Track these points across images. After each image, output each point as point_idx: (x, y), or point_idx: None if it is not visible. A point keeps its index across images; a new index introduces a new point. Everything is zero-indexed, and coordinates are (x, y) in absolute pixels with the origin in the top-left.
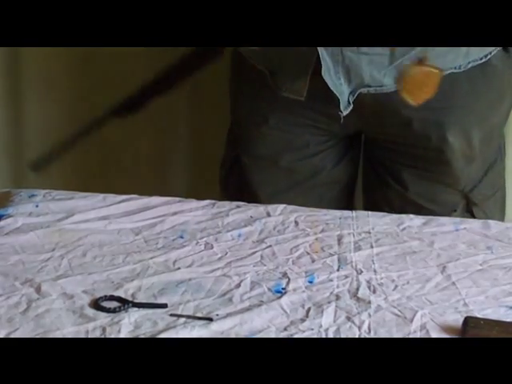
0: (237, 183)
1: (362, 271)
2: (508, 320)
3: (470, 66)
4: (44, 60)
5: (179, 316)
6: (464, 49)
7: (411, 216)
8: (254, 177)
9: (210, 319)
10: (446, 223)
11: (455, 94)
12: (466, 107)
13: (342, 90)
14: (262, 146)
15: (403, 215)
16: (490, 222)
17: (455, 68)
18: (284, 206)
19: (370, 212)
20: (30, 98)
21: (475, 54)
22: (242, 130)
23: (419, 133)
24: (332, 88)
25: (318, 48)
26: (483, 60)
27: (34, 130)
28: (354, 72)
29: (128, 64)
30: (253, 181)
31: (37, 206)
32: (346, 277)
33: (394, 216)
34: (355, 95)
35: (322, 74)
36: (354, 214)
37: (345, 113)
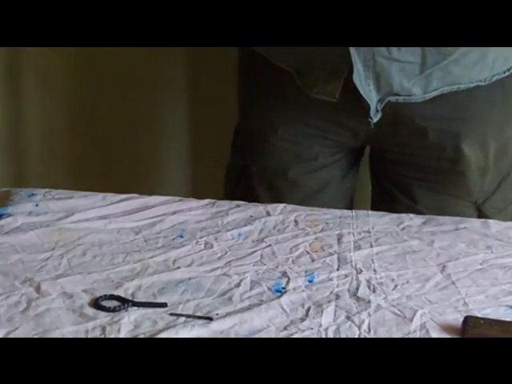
0: (243, 193)
1: (361, 270)
2: (508, 319)
3: (494, 79)
4: (44, 60)
5: (179, 315)
6: (490, 61)
7: (411, 215)
8: (261, 188)
9: (210, 318)
10: (446, 222)
11: (472, 104)
12: (483, 118)
13: (371, 96)
14: (271, 157)
15: (403, 214)
16: (490, 221)
17: (480, 81)
18: (284, 205)
19: (369, 211)
20: (30, 98)
21: (499, 68)
22: (252, 140)
23: (434, 143)
24: (362, 93)
25: (351, 52)
26: (506, 74)
27: (33, 129)
28: (384, 79)
29: (128, 64)
30: (260, 192)
31: (36, 205)
32: (346, 276)
33: (394, 215)
34: (383, 103)
35: (354, 79)
36: (353, 213)
37: (375, 119)
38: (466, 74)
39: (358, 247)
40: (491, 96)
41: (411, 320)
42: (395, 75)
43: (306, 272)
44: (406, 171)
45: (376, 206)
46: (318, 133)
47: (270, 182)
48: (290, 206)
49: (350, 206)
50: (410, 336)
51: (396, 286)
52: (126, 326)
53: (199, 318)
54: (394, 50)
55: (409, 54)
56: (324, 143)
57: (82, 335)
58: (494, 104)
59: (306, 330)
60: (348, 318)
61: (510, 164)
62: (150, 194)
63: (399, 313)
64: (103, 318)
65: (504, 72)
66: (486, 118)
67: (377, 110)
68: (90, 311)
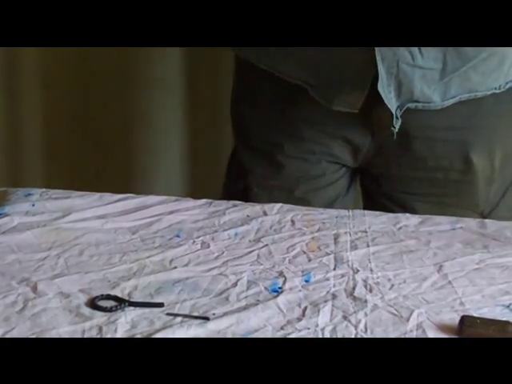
0: None
1: (358, 270)
2: (504, 319)
3: (507, 86)
4: (43, 60)
5: (176, 315)
6: (506, 68)
7: (407, 215)
8: None
9: (207, 318)
10: (443, 222)
11: (480, 113)
12: (490, 126)
13: (392, 103)
14: (277, 175)
15: (399, 214)
16: (487, 221)
17: (496, 88)
18: (280, 205)
19: (366, 211)
20: (27, 98)
21: (511, 75)
22: (255, 160)
23: (442, 154)
24: (386, 101)
25: (378, 60)
26: None
27: (30, 129)
28: (406, 86)
29: (126, 64)
30: None
31: (33, 205)
32: (343, 276)
33: (391, 215)
34: (403, 109)
35: (379, 87)
36: (350, 213)
37: (396, 127)
38: (484, 81)
39: (354, 247)
40: (498, 103)
41: (408, 320)
42: (417, 82)
43: (302, 272)
44: (409, 187)
45: None
46: (323, 149)
47: (276, 201)
48: (287, 206)
49: None
50: (407, 336)
51: (393, 285)
52: (123, 325)
53: (196, 317)
54: (418, 56)
55: (431, 60)
56: (330, 159)
57: (78, 335)
58: (502, 112)
59: (303, 330)
60: (345, 317)
61: None
62: (147, 193)
63: (396, 312)
64: (100, 317)
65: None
66: (494, 126)
67: (396, 117)
68: (87, 311)
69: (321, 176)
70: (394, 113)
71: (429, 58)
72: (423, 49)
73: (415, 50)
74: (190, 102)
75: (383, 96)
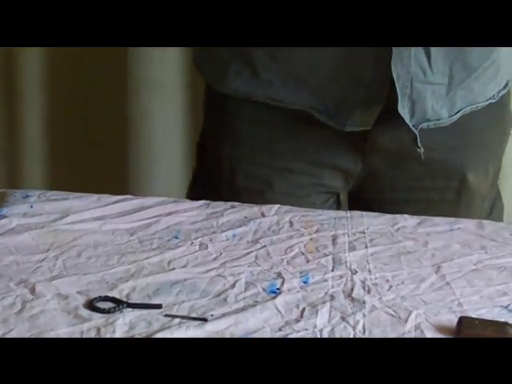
0: None
1: (356, 271)
2: (502, 320)
3: (500, 94)
4: (41, 61)
5: (174, 316)
6: (499, 76)
7: (406, 216)
8: None
9: (205, 319)
10: (441, 223)
11: (474, 128)
12: (484, 142)
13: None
14: None
15: (397, 215)
16: (485, 222)
17: (491, 98)
18: (278, 206)
19: (364, 212)
20: (25, 99)
21: (502, 83)
22: (238, 199)
23: (439, 174)
24: (407, 121)
25: (395, 79)
26: (506, 89)
27: (28, 131)
28: (419, 106)
29: (123, 66)
30: None
31: (31, 207)
32: (341, 277)
33: (389, 216)
34: (417, 129)
35: (399, 108)
36: (348, 214)
37: (422, 149)
38: (483, 91)
39: (352, 248)
40: (488, 117)
41: (406, 321)
42: (428, 99)
43: (300, 273)
44: (402, 210)
45: None
46: (312, 180)
47: None
48: (285, 207)
49: None
50: (405, 336)
51: (391, 286)
52: (121, 327)
53: (194, 319)
54: (428, 71)
55: (439, 75)
56: (319, 190)
57: (76, 336)
58: (493, 125)
59: (301, 331)
60: (343, 318)
61: (497, 189)
62: (145, 195)
63: (394, 313)
64: (98, 319)
65: (504, 87)
66: (487, 142)
67: (415, 138)
68: (85, 312)
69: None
70: (416, 133)
71: (438, 72)
72: (433, 63)
73: (426, 65)
74: (189, 103)
75: (404, 117)
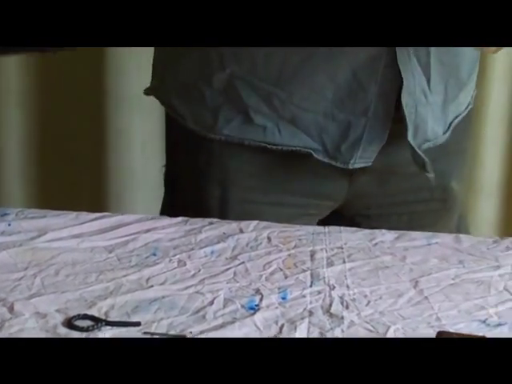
0: None
1: (334, 287)
2: (480, 334)
3: (472, 99)
4: (15, 76)
5: (152, 334)
6: (473, 82)
7: (383, 231)
8: None
9: (184, 337)
10: (418, 238)
11: (455, 138)
12: (463, 149)
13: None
14: None
15: (375, 230)
16: (462, 236)
17: (469, 104)
18: (257, 222)
19: (342, 227)
20: (1, 117)
21: (472, 88)
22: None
23: (423, 187)
24: (418, 151)
25: (404, 110)
26: (475, 92)
27: (5, 149)
28: (422, 129)
29: (102, 80)
30: None
31: (9, 225)
32: (319, 292)
33: (366, 231)
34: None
35: (409, 138)
36: (326, 229)
37: (431, 173)
38: (466, 100)
39: (330, 263)
40: (465, 123)
41: (384, 336)
42: (429, 121)
43: (279, 289)
44: (386, 224)
45: None
46: (300, 211)
47: None
48: (263, 223)
49: None
50: None
51: (369, 301)
52: None
53: (173, 336)
54: (428, 92)
55: (436, 95)
56: (306, 220)
57: None
58: (469, 131)
59: None
60: (321, 334)
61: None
62: (124, 212)
63: (372, 329)
64: (77, 337)
65: (474, 90)
66: (464, 148)
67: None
68: (64, 331)
69: None
70: (425, 160)
71: (435, 92)
72: (432, 84)
73: (426, 88)
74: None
75: (413, 144)
